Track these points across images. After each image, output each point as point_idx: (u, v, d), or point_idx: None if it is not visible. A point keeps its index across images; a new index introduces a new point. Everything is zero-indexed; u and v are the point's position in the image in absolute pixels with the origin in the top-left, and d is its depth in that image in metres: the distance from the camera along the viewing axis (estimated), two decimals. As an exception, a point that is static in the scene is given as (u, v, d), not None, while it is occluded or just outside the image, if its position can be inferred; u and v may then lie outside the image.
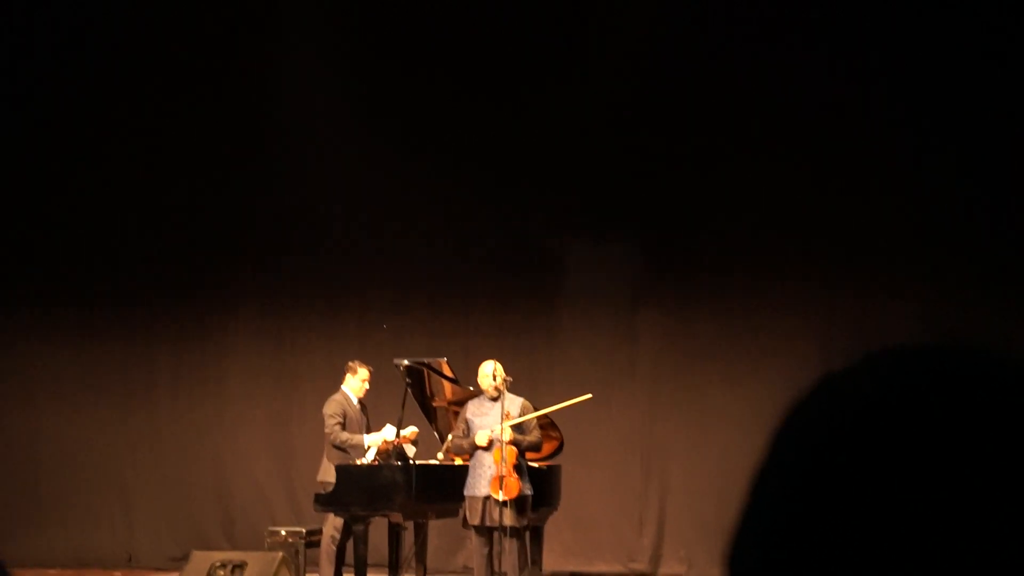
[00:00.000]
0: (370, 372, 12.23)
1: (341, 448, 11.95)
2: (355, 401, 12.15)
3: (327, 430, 12.00)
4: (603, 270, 14.14)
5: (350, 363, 12.29)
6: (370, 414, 12.27)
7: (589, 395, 11.64)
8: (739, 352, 13.84)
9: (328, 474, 11.84)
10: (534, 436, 11.31)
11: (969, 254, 13.25)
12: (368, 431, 12.06)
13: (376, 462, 11.73)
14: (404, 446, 11.80)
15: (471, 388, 11.78)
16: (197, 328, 14.96)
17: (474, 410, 11.33)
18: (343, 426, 11.97)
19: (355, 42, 14.53)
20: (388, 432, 11.84)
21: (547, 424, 11.64)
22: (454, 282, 14.46)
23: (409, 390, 11.88)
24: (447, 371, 12.05)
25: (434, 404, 12.16)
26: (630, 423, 14.09)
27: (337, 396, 12.16)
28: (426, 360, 12.12)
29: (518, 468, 11.11)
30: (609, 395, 13.77)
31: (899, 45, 13.41)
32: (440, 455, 11.81)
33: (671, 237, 14.10)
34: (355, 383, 12.19)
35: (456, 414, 11.77)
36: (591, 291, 14.17)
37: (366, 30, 14.51)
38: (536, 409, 11.40)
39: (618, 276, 14.13)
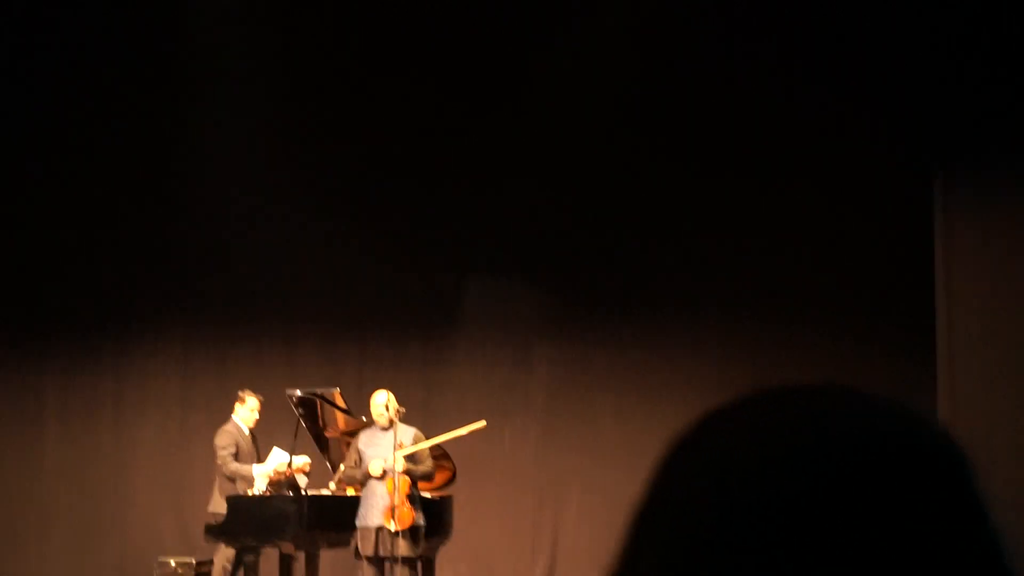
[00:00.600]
0: (260, 401, 12.20)
1: (232, 479, 11.88)
2: (246, 431, 12.12)
3: (218, 460, 11.95)
4: (499, 301, 14.18)
5: (240, 392, 12.27)
6: (263, 444, 12.21)
7: (483, 422, 11.64)
8: (632, 385, 13.92)
9: (219, 505, 11.77)
10: (427, 466, 11.30)
11: (860, 293, 13.41)
12: (259, 461, 11.99)
13: (267, 492, 11.68)
14: (296, 476, 11.76)
15: (364, 419, 11.75)
16: (90, 354, 14.79)
17: (366, 440, 11.31)
18: (235, 456, 11.91)
19: (253, 82, 14.44)
20: (276, 455, 11.81)
21: (440, 455, 11.64)
22: (349, 311, 14.42)
23: (301, 420, 11.83)
24: (340, 401, 12.02)
25: (327, 434, 12.12)
26: (524, 454, 14.12)
27: (228, 426, 12.12)
28: (319, 390, 12.07)
29: (411, 498, 11.11)
30: (503, 426, 13.80)
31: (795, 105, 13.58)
32: (332, 485, 11.77)
33: (567, 270, 14.15)
34: (245, 413, 12.16)
35: (349, 444, 11.74)
36: (486, 322, 14.20)
37: (270, 74, 14.41)
38: (429, 439, 11.39)
39: (514, 308, 14.16)
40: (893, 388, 12.79)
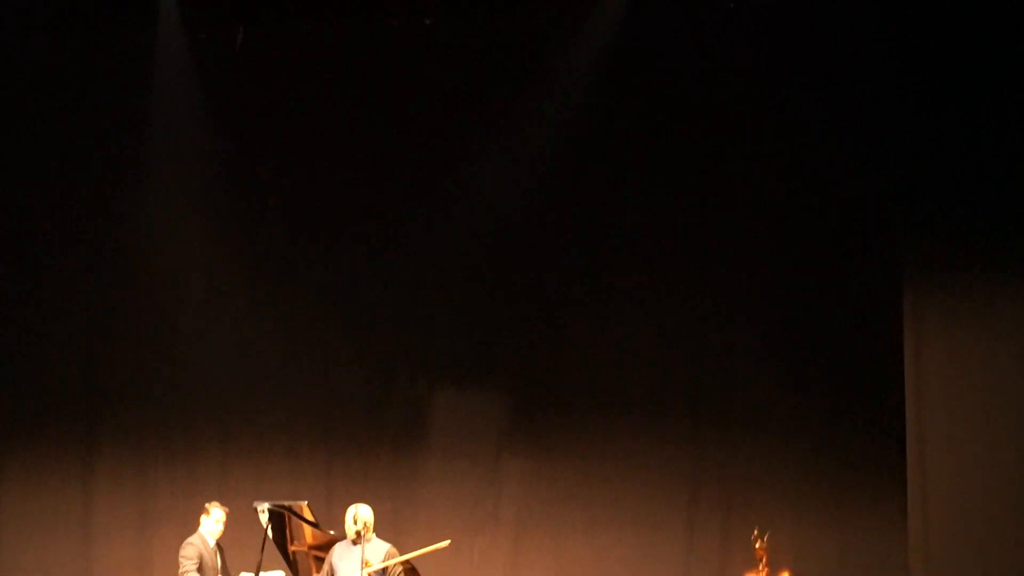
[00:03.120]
0: (226, 513, 12.16)
1: None
2: (211, 543, 12.08)
3: (180, 572, 11.90)
4: (467, 414, 14.15)
5: (206, 504, 12.27)
6: (230, 556, 12.14)
7: (447, 541, 11.58)
8: (601, 498, 13.85)
9: None
10: (396, 584, 11.26)
11: (831, 395, 13.45)
12: (223, 574, 11.95)
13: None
14: (265, 591, 11.72)
15: (332, 532, 11.70)
16: (55, 466, 14.68)
17: (339, 554, 11.36)
18: (198, 569, 11.88)
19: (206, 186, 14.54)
20: (242, 580, 11.82)
21: (408, 569, 11.56)
22: (317, 425, 14.35)
23: (269, 533, 11.76)
24: (308, 515, 11.95)
25: (293, 548, 12.04)
26: (493, 568, 14.02)
27: (193, 538, 12.10)
28: (287, 503, 12.01)
29: (378, 614, 11.06)
30: (472, 540, 13.74)
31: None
32: (300, 600, 11.72)
33: (534, 383, 14.12)
34: (211, 525, 12.15)
35: (316, 558, 11.70)
36: (455, 435, 14.15)
37: (216, 176, 14.51)
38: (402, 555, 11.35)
39: (482, 421, 14.13)
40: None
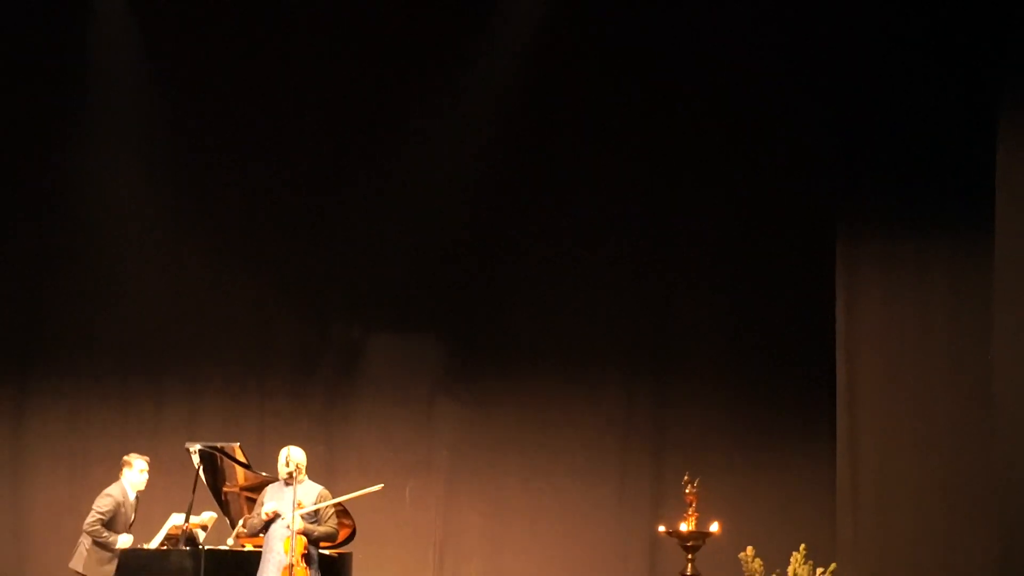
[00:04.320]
0: (147, 462, 12.06)
1: (100, 545, 11.75)
2: (132, 495, 11.97)
3: (89, 521, 11.83)
4: (401, 359, 14.17)
5: (125, 457, 12.12)
6: (161, 497, 12.13)
7: (380, 485, 11.59)
8: (536, 444, 13.92)
9: (81, 564, 11.71)
10: (328, 526, 11.26)
11: (763, 342, 13.55)
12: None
13: (164, 547, 11.59)
14: (194, 531, 11.68)
15: (264, 474, 11.70)
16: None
17: (271, 495, 11.35)
18: (108, 523, 11.76)
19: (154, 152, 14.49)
20: (172, 520, 11.76)
21: (340, 512, 11.57)
22: (251, 368, 14.35)
23: (200, 474, 11.75)
24: (240, 456, 11.94)
25: (225, 489, 12.03)
26: (425, 513, 14.07)
27: (112, 489, 11.99)
28: (219, 444, 12.00)
29: (307, 557, 11.10)
30: (405, 484, 13.78)
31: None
32: (230, 541, 11.70)
33: (469, 328, 14.17)
34: (134, 476, 12.01)
35: (248, 499, 11.71)
36: (389, 380, 14.17)
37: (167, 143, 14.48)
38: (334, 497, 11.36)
39: (416, 366, 14.16)
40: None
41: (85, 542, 11.88)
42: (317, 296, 14.36)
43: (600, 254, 13.88)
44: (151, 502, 12.37)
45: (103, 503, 11.88)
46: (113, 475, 12.39)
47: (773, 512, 13.32)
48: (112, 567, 11.69)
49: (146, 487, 12.11)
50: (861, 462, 12.43)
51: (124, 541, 11.77)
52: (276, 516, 11.14)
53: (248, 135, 14.42)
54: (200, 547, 11.52)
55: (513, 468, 13.98)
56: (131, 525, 11.96)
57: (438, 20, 14.04)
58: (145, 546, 11.68)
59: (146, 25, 14.39)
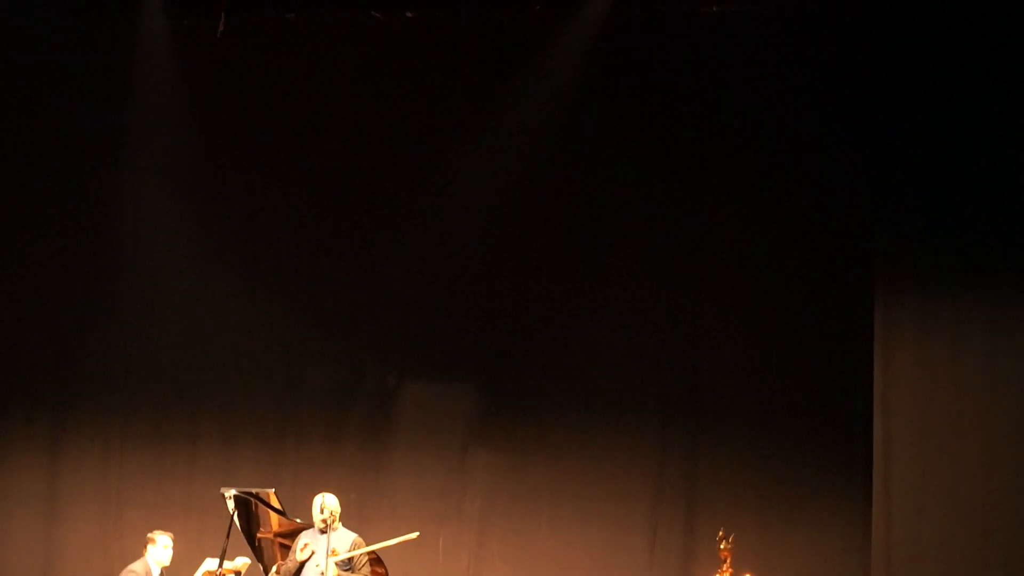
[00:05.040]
0: (172, 538, 12.00)
1: None
2: (156, 572, 11.92)
3: None
4: (435, 408, 14.16)
5: (149, 534, 12.08)
6: (196, 548, 12.13)
7: (416, 533, 11.60)
8: (566, 493, 13.88)
9: None
10: (362, 574, 11.27)
11: (799, 398, 13.50)
12: None
13: (199, 592, 11.66)
14: (228, 576, 11.72)
15: (298, 520, 11.72)
16: (23, 446, 14.67)
17: (306, 541, 11.30)
18: None
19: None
20: (206, 565, 11.75)
21: (374, 560, 11.59)
22: (287, 415, 14.36)
23: (235, 520, 11.77)
24: (275, 502, 11.97)
25: (259, 535, 12.05)
26: (457, 562, 14.04)
27: (137, 566, 11.92)
28: (254, 490, 12.02)
29: (341, 603, 11.10)
30: (438, 532, 13.76)
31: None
32: (264, 587, 11.75)
33: (503, 377, 14.15)
34: (159, 552, 11.96)
35: (282, 546, 11.72)
36: (423, 428, 14.17)
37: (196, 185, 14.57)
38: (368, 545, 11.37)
39: (450, 414, 14.15)
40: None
41: None
42: (352, 342, 14.38)
43: (635, 306, 13.86)
44: (186, 543, 12.38)
45: None
46: (146, 517, 12.43)
47: (807, 570, 13.23)
48: None
49: (180, 531, 12.12)
50: (896, 520, 12.38)
51: None
52: (312, 555, 11.17)
53: (288, 176, 14.49)
54: (234, 593, 11.57)
55: (544, 517, 13.93)
56: None
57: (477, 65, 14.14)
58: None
59: (187, 55, 14.51)
